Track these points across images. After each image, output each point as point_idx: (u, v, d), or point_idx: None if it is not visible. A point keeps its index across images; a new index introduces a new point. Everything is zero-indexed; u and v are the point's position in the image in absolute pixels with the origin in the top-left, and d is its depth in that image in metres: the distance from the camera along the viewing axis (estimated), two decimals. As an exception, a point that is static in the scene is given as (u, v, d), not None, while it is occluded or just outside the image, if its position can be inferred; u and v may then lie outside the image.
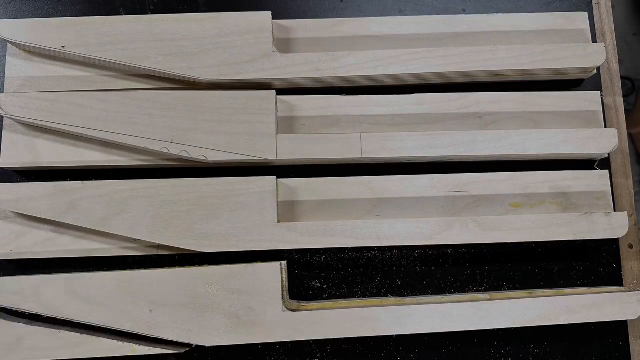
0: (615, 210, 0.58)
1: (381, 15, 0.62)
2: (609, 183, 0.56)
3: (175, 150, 0.53)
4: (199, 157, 0.53)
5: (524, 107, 0.57)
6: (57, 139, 0.56)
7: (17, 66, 0.57)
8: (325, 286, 0.57)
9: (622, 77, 0.67)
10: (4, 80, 0.57)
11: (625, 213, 0.55)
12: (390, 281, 0.57)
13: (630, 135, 1.26)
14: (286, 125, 0.56)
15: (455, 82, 0.60)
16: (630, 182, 0.60)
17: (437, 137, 0.55)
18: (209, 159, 0.53)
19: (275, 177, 0.54)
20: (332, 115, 0.57)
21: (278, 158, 0.54)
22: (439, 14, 0.63)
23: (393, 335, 0.55)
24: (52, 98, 0.54)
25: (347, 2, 0.63)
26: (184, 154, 0.53)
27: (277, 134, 0.54)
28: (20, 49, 0.57)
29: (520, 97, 0.58)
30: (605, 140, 0.56)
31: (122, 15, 0.61)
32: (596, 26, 0.63)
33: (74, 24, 0.56)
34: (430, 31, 0.59)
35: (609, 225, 0.54)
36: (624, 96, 0.63)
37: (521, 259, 0.58)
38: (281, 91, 0.57)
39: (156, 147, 0.53)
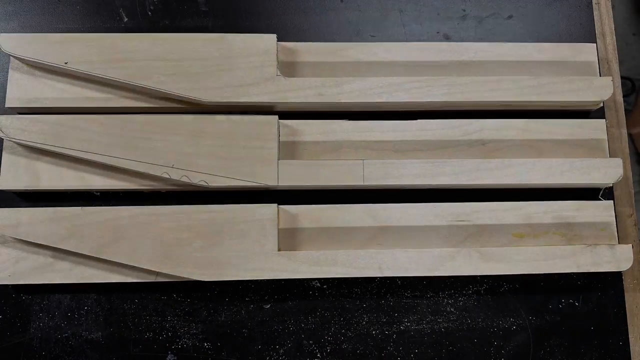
0: (616, 215, 0.57)
1: (381, 14, 0.62)
2: (614, 214, 0.56)
3: (176, 176, 0.52)
4: (199, 183, 0.53)
5: (528, 135, 0.57)
6: (58, 162, 0.55)
7: (19, 80, 0.56)
8: (325, 286, 0.57)
9: (622, 77, 0.67)
10: (5, 94, 0.56)
11: (630, 246, 0.54)
12: (390, 281, 0.57)
13: (630, 135, 1.26)
14: (288, 149, 0.56)
15: (460, 110, 0.59)
16: (630, 182, 0.60)
17: (440, 165, 0.54)
18: (209, 184, 0.53)
19: (276, 204, 0.53)
20: (334, 141, 0.56)
21: (279, 184, 0.53)
22: (439, 14, 0.62)
23: (393, 335, 0.56)
24: (52, 121, 0.53)
25: (347, 1, 0.63)
26: (185, 179, 0.52)
27: (278, 159, 0.54)
28: (23, 63, 0.56)
29: (524, 125, 0.57)
30: (610, 170, 0.55)
31: (122, 16, 0.61)
32: (596, 26, 0.62)
33: (77, 40, 0.55)
34: (436, 59, 0.58)
35: (613, 258, 0.53)
36: (624, 96, 0.63)
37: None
38: (284, 114, 0.56)
39: (157, 172, 0.52)
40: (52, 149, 0.53)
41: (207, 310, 0.55)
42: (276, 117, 0.55)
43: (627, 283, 0.58)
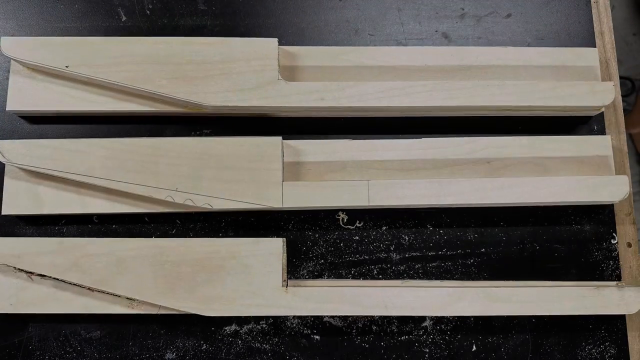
0: (614, 213, 0.57)
1: (379, 13, 0.61)
2: None
3: (179, 199, 0.52)
4: (203, 206, 0.52)
5: (533, 153, 0.56)
6: (60, 186, 0.54)
7: (20, 83, 0.55)
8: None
9: (622, 77, 0.67)
10: (6, 98, 0.56)
11: (639, 289, 0.52)
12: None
13: (630, 135, 1.26)
14: (292, 170, 0.55)
15: (462, 115, 0.58)
16: (629, 181, 0.60)
17: (445, 185, 0.53)
18: (214, 207, 0.52)
19: (282, 239, 0.52)
20: (338, 160, 0.55)
21: (284, 206, 0.52)
22: (437, 13, 0.62)
23: (389, 334, 0.56)
24: (54, 145, 0.53)
25: (345, 0, 0.62)
26: (189, 202, 0.52)
27: (283, 181, 0.53)
28: (24, 66, 0.56)
29: (529, 142, 0.56)
30: (616, 188, 0.54)
31: (120, 15, 0.60)
32: (594, 25, 0.62)
33: (79, 43, 0.54)
34: (438, 63, 0.58)
35: (622, 300, 0.52)
36: (623, 96, 0.63)
37: (521, 258, 0.57)
38: (286, 122, 0.56)
39: (161, 195, 0.52)
40: (55, 173, 0.52)
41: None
42: (280, 138, 0.54)
43: (626, 282, 0.57)
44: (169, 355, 0.54)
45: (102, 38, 0.55)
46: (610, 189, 0.54)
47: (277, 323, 0.55)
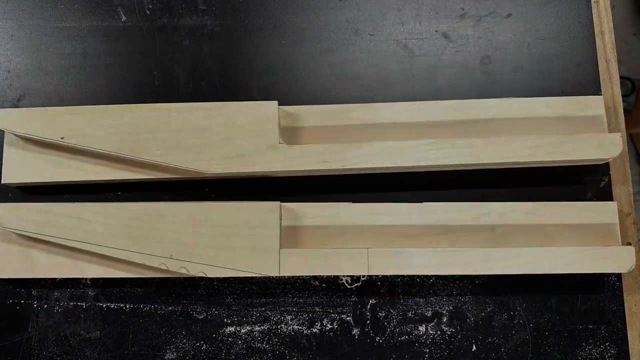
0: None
1: (379, 13, 0.60)
2: None
3: (173, 267, 0.51)
4: (198, 274, 0.51)
5: (537, 219, 0.54)
6: (53, 250, 0.53)
7: (14, 155, 0.54)
8: (324, 285, 0.57)
9: (622, 77, 0.66)
10: (0, 169, 0.55)
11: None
12: (388, 284, 0.57)
13: (630, 135, 1.26)
14: (290, 234, 0.53)
15: (467, 170, 0.57)
16: (629, 180, 0.60)
17: (447, 255, 0.52)
18: (208, 274, 0.51)
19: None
20: (338, 225, 0.54)
21: (281, 274, 0.51)
22: (437, 13, 0.60)
23: (390, 336, 0.56)
24: (47, 209, 0.52)
25: (345, 0, 0.62)
26: (183, 270, 0.51)
27: (280, 248, 0.52)
28: (18, 137, 0.54)
29: (532, 208, 0.54)
30: (622, 260, 0.53)
31: (120, 15, 0.60)
32: (595, 24, 0.60)
33: (73, 113, 0.53)
34: (441, 118, 0.56)
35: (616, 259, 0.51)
36: (623, 96, 0.62)
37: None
38: (286, 181, 0.56)
39: (154, 262, 0.51)
40: (48, 238, 0.51)
41: (205, 312, 0.55)
42: (278, 203, 0.52)
43: (627, 282, 0.57)
44: (169, 355, 0.54)
45: (98, 107, 0.54)
46: (616, 260, 0.53)
47: (276, 323, 0.55)
